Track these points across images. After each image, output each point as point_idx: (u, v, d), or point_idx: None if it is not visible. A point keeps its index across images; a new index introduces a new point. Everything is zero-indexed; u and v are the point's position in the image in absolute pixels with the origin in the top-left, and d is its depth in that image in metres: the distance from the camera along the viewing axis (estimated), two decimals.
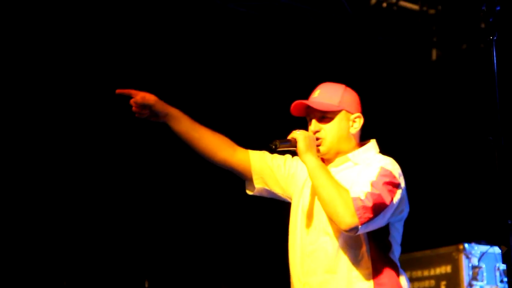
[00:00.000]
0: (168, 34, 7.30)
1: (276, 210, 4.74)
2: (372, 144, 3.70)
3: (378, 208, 3.35)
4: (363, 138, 3.74)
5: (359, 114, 3.66)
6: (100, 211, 7.18)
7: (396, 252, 3.55)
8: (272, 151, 3.54)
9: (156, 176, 7.47)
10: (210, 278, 7.70)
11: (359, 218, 3.31)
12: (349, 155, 3.63)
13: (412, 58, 8.20)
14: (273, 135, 3.65)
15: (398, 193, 3.44)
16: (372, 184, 3.39)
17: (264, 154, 3.84)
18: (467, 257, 6.86)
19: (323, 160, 3.65)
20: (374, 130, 3.85)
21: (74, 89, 6.98)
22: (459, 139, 8.15)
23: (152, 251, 7.41)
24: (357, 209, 3.31)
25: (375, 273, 3.48)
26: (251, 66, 7.75)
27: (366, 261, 3.48)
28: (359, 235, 3.44)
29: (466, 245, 6.90)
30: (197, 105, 6.10)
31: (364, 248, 3.48)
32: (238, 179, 3.89)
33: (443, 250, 6.92)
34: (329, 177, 3.42)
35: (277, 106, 6.65)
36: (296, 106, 3.65)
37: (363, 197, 3.34)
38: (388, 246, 3.53)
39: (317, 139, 3.60)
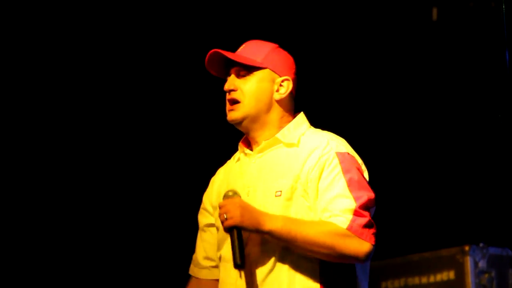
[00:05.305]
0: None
1: None
2: (301, 117, 3.28)
3: (370, 214, 3.06)
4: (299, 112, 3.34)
5: (288, 77, 3.22)
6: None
7: None
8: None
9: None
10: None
11: (368, 240, 3.01)
12: (278, 135, 3.20)
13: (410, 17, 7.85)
14: None
15: (366, 174, 3.16)
16: (352, 192, 3.02)
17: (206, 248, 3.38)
18: (474, 261, 6.63)
19: (247, 136, 3.26)
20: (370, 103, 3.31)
21: (74, 89, 6.99)
22: (463, 119, 7.70)
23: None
24: (360, 234, 2.98)
25: (323, 280, 3.06)
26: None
27: (314, 267, 3.06)
28: None
29: (473, 246, 6.62)
30: None
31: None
32: None
33: (445, 252, 6.67)
34: (302, 228, 2.97)
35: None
36: (212, 60, 3.20)
37: (350, 217, 2.98)
38: None
39: (232, 101, 3.18)
